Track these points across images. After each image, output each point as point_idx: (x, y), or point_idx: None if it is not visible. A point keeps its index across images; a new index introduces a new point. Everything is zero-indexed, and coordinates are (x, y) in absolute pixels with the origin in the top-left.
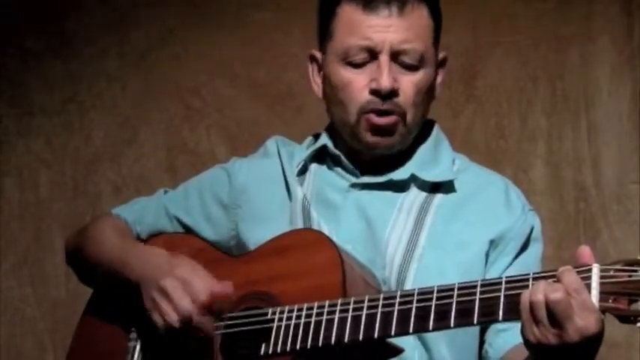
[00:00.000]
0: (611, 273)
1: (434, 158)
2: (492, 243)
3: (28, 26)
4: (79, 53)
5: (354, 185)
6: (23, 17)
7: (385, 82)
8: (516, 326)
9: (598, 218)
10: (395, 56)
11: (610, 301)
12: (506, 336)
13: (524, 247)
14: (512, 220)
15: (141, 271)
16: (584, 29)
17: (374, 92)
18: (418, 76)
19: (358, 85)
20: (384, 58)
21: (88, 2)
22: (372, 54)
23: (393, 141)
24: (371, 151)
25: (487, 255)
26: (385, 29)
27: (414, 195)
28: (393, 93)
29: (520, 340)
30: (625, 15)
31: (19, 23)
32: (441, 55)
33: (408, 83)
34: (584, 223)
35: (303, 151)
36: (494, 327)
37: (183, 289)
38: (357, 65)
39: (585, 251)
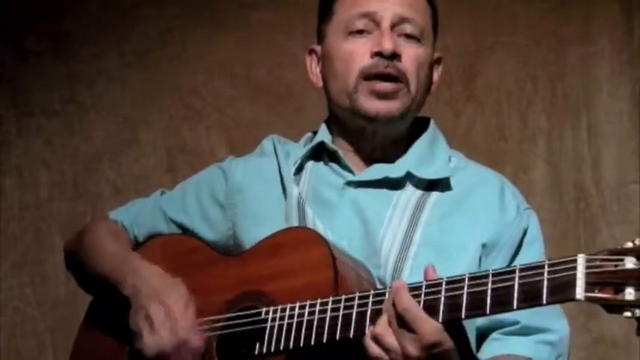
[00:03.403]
0: (597, 263)
1: (430, 155)
2: (485, 247)
3: (28, 26)
4: (79, 53)
5: (349, 183)
6: (23, 17)
7: (388, 44)
8: (508, 338)
9: (598, 218)
10: (396, 25)
11: (596, 291)
12: (495, 344)
13: (516, 253)
14: (504, 223)
15: (134, 291)
16: (584, 29)
17: (376, 54)
18: (419, 50)
19: (359, 51)
20: (385, 25)
21: (88, 2)
22: (374, 21)
23: (394, 106)
24: (371, 123)
25: (480, 259)
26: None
27: (410, 193)
28: (395, 55)
29: (507, 351)
30: (625, 15)
31: (18, 23)
32: (436, 55)
33: (410, 52)
34: (584, 223)
35: (299, 149)
36: (490, 337)
37: (166, 320)
38: (358, 32)
39: (429, 270)
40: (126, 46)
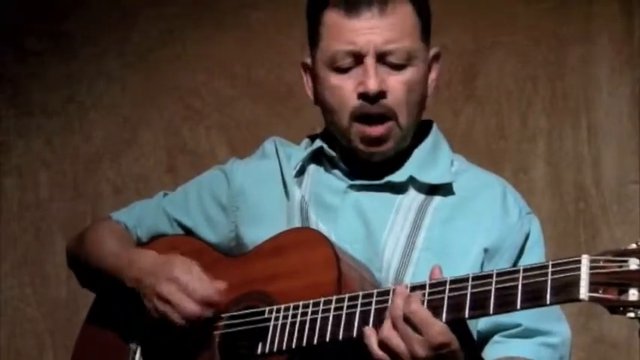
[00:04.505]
0: (601, 264)
1: (432, 160)
2: (487, 252)
3: (28, 26)
4: (79, 53)
5: (351, 186)
6: (23, 17)
7: (372, 85)
8: (509, 341)
9: (598, 218)
10: (381, 57)
11: (600, 291)
12: (497, 347)
13: (518, 257)
14: (507, 228)
15: (137, 280)
16: (584, 29)
17: (362, 96)
18: (406, 75)
19: (346, 90)
20: (369, 61)
21: (88, 2)
22: (358, 58)
23: (387, 147)
24: (366, 158)
25: (482, 264)
26: (369, 31)
27: (412, 197)
28: (380, 95)
29: (509, 354)
30: (625, 15)
31: (18, 23)
32: (433, 51)
33: (396, 83)
34: (584, 223)
35: (300, 152)
36: (492, 339)
37: (181, 292)
38: (343, 70)
39: (435, 271)
40: (126, 46)
